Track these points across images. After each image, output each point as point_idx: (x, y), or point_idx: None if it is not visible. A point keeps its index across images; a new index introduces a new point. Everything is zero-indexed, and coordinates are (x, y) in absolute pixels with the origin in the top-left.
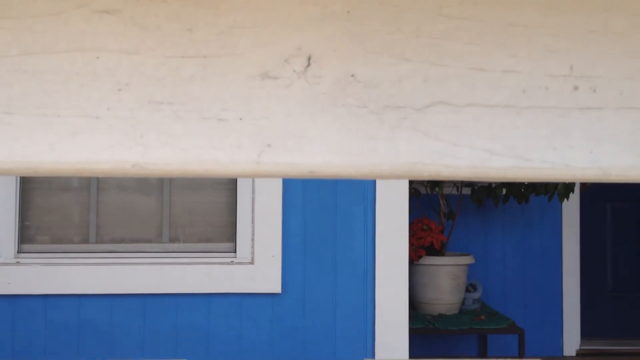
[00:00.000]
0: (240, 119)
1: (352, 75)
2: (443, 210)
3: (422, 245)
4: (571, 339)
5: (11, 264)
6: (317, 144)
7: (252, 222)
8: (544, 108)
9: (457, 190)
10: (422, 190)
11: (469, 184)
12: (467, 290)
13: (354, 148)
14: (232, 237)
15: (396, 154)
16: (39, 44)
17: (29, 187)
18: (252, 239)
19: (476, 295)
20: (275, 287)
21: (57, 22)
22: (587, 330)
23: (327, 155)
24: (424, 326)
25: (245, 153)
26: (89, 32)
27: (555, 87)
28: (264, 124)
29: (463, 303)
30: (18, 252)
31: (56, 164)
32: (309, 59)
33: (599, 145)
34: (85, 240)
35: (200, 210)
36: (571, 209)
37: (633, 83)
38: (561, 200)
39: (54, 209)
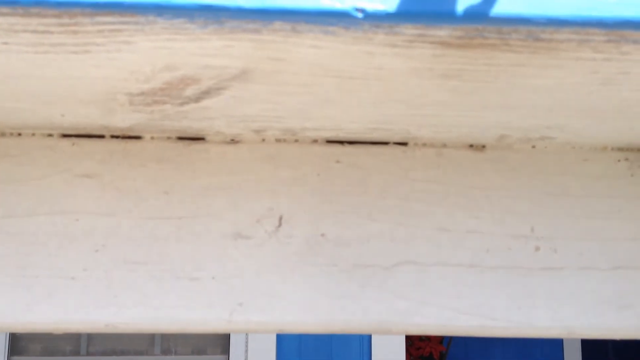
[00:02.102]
0: (213, 278)
1: (322, 235)
2: None
3: (420, 356)
4: None
5: None
6: (287, 303)
7: (246, 333)
8: (507, 268)
9: None
10: None
11: None
12: None
13: (324, 306)
14: (225, 349)
15: (365, 312)
16: (22, 206)
17: None
18: (246, 351)
19: None
20: None
21: (40, 185)
22: None
23: (298, 313)
24: None
25: (216, 312)
26: (69, 196)
27: (517, 247)
28: (236, 283)
29: None
30: None
31: (31, 324)
32: (281, 219)
33: (561, 305)
34: (76, 352)
35: None
36: None
37: (592, 244)
38: None
39: None
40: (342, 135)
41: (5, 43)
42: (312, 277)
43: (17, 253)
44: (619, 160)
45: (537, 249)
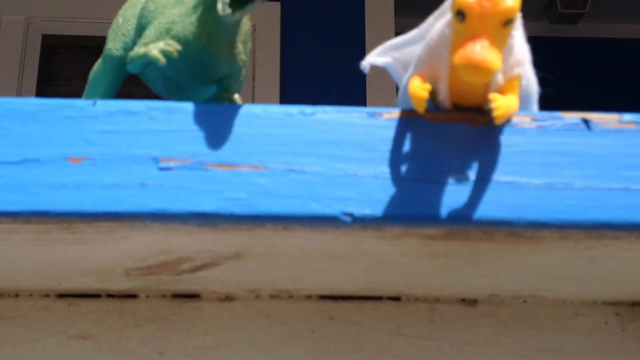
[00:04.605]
0: None
1: None
2: None
3: None
4: None
5: None
6: None
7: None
8: None
9: None
10: None
11: None
12: None
13: None
14: None
15: None
16: None
17: None
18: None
19: None
20: None
21: (35, 348)
22: None
23: None
24: None
25: None
26: (63, 358)
27: None
28: None
29: None
30: None
31: None
32: None
33: None
34: None
35: None
36: None
37: None
38: None
39: None
40: (335, 292)
41: (6, 239)
42: None
43: None
44: (609, 315)
45: None
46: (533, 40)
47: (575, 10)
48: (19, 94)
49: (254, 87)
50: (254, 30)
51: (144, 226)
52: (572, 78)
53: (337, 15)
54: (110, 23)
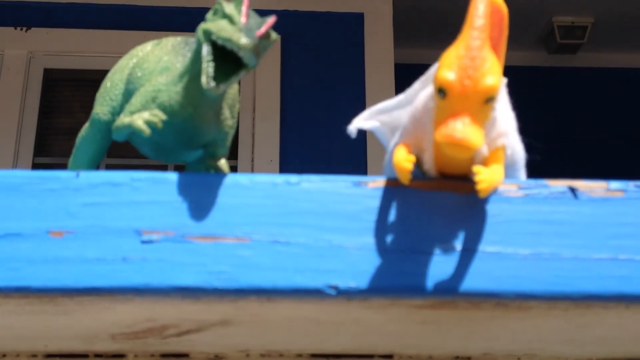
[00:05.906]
0: None
1: None
2: None
3: None
4: None
5: None
6: None
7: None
8: None
9: None
10: None
11: None
12: None
13: None
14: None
15: None
16: None
17: None
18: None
19: None
20: None
21: None
22: None
23: None
24: None
25: None
26: None
27: None
28: None
29: None
30: None
31: None
32: None
33: None
34: None
35: None
36: None
37: None
38: None
39: None
40: (326, 352)
41: None
42: None
43: None
44: None
45: None
46: (532, 70)
47: (574, 41)
48: (21, 126)
49: (253, 134)
50: (255, 75)
51: (126, 299)
52: (571, 108)
53: (337, 52)
54: (109, 57)
